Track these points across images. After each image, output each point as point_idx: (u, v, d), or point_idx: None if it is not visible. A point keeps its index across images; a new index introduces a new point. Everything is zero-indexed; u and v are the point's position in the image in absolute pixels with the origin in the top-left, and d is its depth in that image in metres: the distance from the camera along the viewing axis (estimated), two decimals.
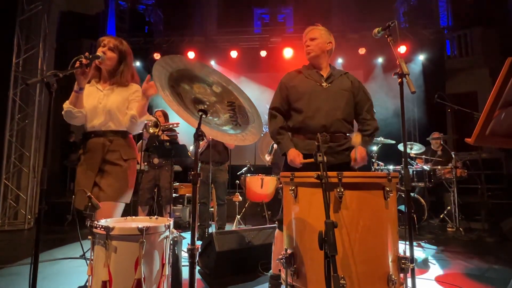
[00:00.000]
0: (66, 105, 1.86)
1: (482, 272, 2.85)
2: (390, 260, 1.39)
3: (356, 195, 1.38)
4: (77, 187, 1.87)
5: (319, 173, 1.28)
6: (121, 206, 1.93)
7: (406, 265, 1.40)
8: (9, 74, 5.40)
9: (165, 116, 4.16)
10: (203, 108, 1.53)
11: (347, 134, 2.02)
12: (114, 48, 1.94)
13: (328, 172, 1.32)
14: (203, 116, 1.53)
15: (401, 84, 1.66)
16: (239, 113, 1.52)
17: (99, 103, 1.93)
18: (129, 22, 10.15)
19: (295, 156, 1.88)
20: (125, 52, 1.99)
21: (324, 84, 2.00)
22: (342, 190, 1.35)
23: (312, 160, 1.35)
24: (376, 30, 1.90)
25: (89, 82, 1.98)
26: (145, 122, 1.99)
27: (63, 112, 1.87)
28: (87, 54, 1.73)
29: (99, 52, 1.90)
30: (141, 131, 2.25)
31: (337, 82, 2.03)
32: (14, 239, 4.38)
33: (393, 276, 1.36)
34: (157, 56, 8.50)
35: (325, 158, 1.32)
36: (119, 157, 1.92)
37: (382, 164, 4.77)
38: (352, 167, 1.90)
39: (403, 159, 1.75)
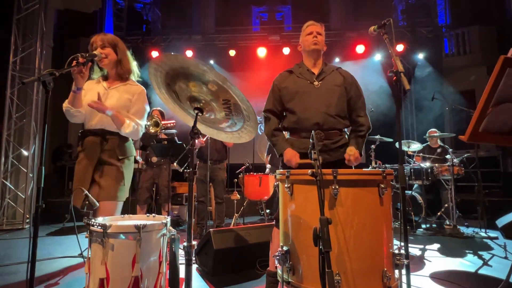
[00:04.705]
0: (65, 104, 1.88)
1: (478, 269, 2.88)
2: (384, 256, 1.41)
3: (351, 192, 1.39)
4: (75, 184, 1.89)
5: (314, 170, 1.29)
6: (120, 205, 1.96)
7: (401, 261, 1.42)
8: (6, 73, 5.38)
9: (162, 115, 4.16)
10: (199, 106, 1.54)
11: (343, 130, 2.03)
12: (104, 43, 1.96)
13: (323, 170, 1.33)
14: (199, 114, 1.53)
15: (396, 81, 1.67)
16: (235, 111, 1.53)
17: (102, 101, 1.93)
18: (127, 21, 10.09)
19: (291, 156, 1.88)
20: (113, 41, 2.00)
21: (315, 82, 2.01)
22: (337, 187, 1.36)
23: (308, 160, 1.36)
24: (372, 28, 1.92)
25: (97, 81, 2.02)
26: (135, 127, 1.98)
27: (63, 111, 1.89)
28: (83, 54, 1.74)
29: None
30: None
31: (329, 79, 2.03)
32: (12, 238, 4.38)
33: (387, 272, 1.37)
34: (155, 54, 8.48)
35: (320, 158, 1.32)
36: (114, 156, 1.94)
37: (380, 162, 4.78)
38: (347, 165, 1.91)
39: (400, 156, 1.76)
